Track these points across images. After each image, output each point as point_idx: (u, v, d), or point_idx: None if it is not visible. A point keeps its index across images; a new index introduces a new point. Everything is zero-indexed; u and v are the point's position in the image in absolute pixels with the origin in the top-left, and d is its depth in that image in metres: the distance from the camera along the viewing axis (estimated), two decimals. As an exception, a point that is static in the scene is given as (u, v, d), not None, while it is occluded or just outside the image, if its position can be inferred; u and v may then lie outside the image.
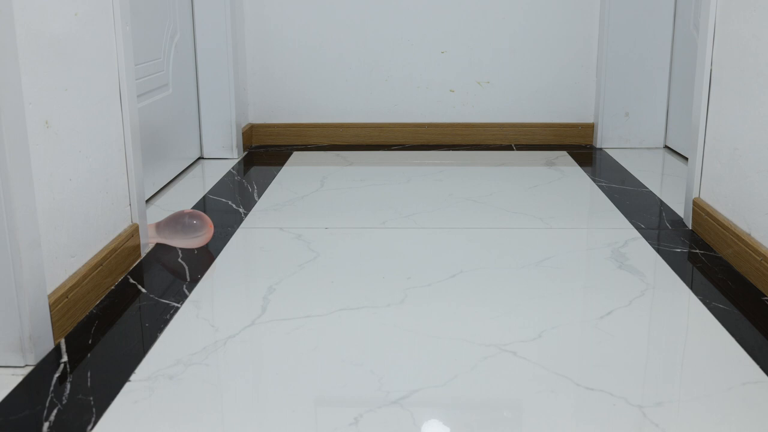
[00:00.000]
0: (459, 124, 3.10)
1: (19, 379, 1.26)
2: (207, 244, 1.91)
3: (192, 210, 1.92)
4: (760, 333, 1.41)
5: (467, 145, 3.08)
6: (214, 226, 2.05)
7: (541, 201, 2.28)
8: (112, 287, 1.65)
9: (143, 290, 1.64)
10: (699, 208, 1.97)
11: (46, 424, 1.13)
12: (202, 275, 1.71)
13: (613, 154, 2.94)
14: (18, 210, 1.25)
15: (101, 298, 1.59)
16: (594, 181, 2.53)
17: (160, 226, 1.88)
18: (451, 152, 2.97)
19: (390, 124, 3.11)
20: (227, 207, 2.26)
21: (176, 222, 1.88)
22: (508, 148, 3.04)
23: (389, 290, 1.62)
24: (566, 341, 1.38)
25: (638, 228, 2.02)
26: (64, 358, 1.33)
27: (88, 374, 1.27)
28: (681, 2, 2.85)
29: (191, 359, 1.32)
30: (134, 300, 1.59)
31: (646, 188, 2.43)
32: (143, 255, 1.84)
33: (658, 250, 1.85)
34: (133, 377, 1.26)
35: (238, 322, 1.46)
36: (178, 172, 2.64)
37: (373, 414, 1.14)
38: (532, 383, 1.23)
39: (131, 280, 1.69)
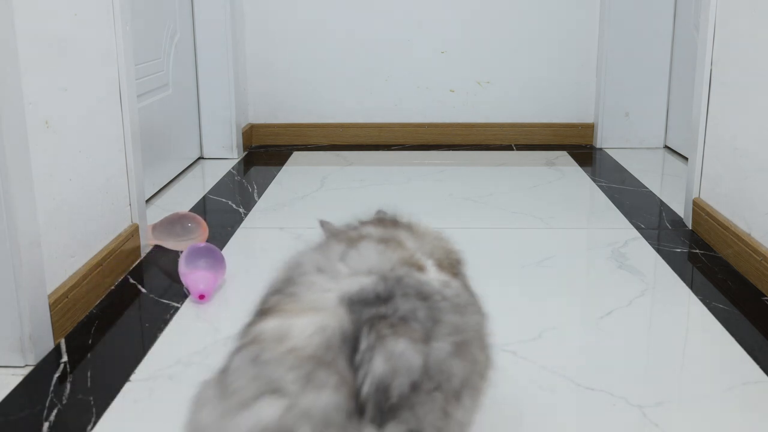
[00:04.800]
0: (459, 124, 3.10)
1: (19, 379, 1.26)
2: (207, 244, 1.91)
3: (187, 212, 1.92)
4: (760, 333, 1.41)
5: (467, 145, 3.08)
6: (215, 226, 2.05)
7: (541, 201, 2.28)
8: (112, 287, 1.65)
9: (143, 290, 1.63)
10: (699, 208, 1.97)
11: (46, 424, 1.12)
12: (202, 275, 1.71)
13: (613, 154, 2.94)
14: (18, 210, 1.25)
15: (101, 298, 1.59)
16: (594, 181, 2.53)
17: (155, 228, 1.88)
18: (451, 152, 2.97)
19: (390, 124, 3.11)
20: (227, 207, 2.26)
21: (171, 224, 1.88)
22: (508, 148, 3.04)
23: (389, 290, 1.62)
24: (566, 341, 1.38)
25: (638, 228, 2.02)
26: (64, 358, 1.33)
27: (88, 374, 1.27)
28: (681, 2, 2.85)
29: (191, 359, 1.32)
30: (134, 300, 1.59)
31: (646, 188, 2.43)
32: (143, 255, 1.83)
33: (658, 250, 1.85)
34: (133, 377, 1.26)
35: (238, 322, 1.46)
36: (178, 172, 2.63)
37: (373, 414, 1.14)
38: (532, 383, 1.23)
39: (131, 280, 1.69)
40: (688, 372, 1.28)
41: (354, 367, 0.66)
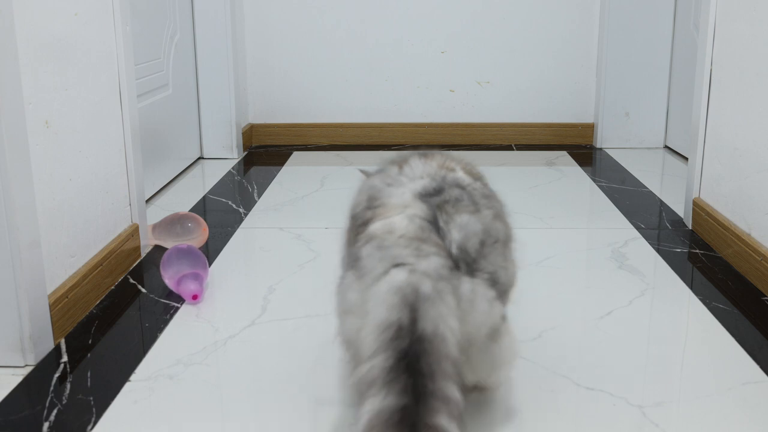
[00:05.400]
0: (459, 124, 3.10)
1: (19, 379, 1.26)
2: (206, 245, 1.91)
3: (187, 212, 1.92)
4: (760, 333, 1.41)
5: (467, 145, 3.08)
6: (215, 226, 2.05)
7: (541, 201, 2.28)
8: (112, 287, 1.65)
9: (143, 290, 1.64)
10: (699, 208, 1.97)
11: (46, 424, 1.12)
12: (202, 275, 1.71)
13: (613, 154, 2.94)
14: (18, 210, 1.25)
15: (101, 298, 1.59)
16: (594, 181, 2.53)
17: (155, 229, 1.88)
18: (451, 152, 2.97)
19: (390, 124, 3.11)
20: (227, 207, 2.26)
21: (171, 224, 1.88)
22: (508, 148, 3.04)
23: (389, 290, 1.62)
24: (566, 341, 1.38)
25: (638, 228, 2.02)
26: (64, 358, 1.33)
27: (88, 374, 1.27)
28: (681, 2, 2.85)
29: (191, 359, 1.32)
30: (134, 300, 1.59)
31: (646, 188, 2.43)
32: (143, 255, 1.84)
33: (658, 250, 1.85)
34: (133, 377, 1.26)
35: (238, 322, 1.46)
36: (178, 172, 2.64)
37: (373, 414, 1.14)
38: (532, 383, 1.23)
39: (131, 280, 1.69)
40: (688, 372, 1.28)
41: (442, 238, 0.96)
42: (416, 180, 1.05)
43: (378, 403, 0.84)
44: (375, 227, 0.98)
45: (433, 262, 0.92)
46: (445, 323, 0.89)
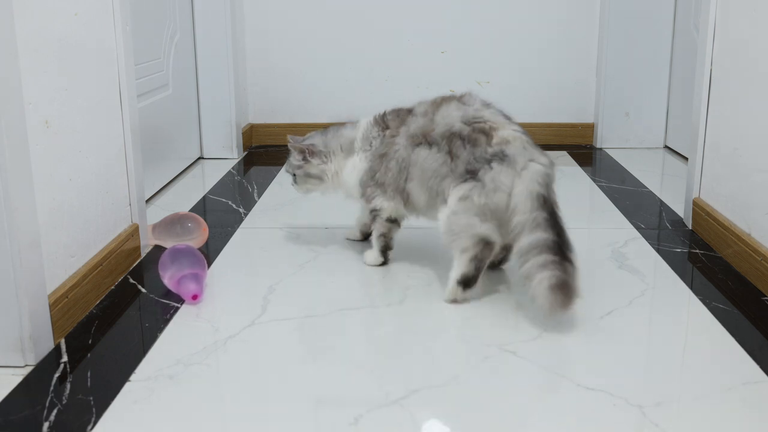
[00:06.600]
0: (459, 124, 3.09)
1: (19, 379, 1.26)
2: (206, 245, 1.91)
3: (187, 212, 1.92)
4: (760, 333, 1.41)
5: (467, 145, 3.08)
6: (215, 226, 2.05)
7: (541, 201, 2.28)
8: (112, 287, 1.65)
9: (143, 290, 1.63)
10: (699, 208, 1.97)
11: (46, 424, 1.12)
12: (202, 275, 1.71)
13: (613, 154, 2.94)
14: (18, 210, 1.25)
15: (101, 298, 1.59)
16: (594, 181, 2.53)
17: (155, 229, 1.88)
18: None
19: (390, 124, 3.11)
20: (227, 207, 2.26)
21: (171, 224, 1.88)
22: (508, 148, 3.04)
23: (389, 290, 1.62)
24: (566, 341, 1.38)
25: (638, 228, 2.02)
26: (64, 358, 1.33)
27: (88, 374, 1.27)
28: (681, 2, 2.85)
29: (191, 359, 1.32)
30: (134, 300, 1.59)
31: (646, 188, 2.43)
32: (143, 255, 1.84)
33: (658, 250, 1.85)
34: (133, 377, 1.26)
35: (238, 322, 1.46)
36: (178, 172, 2.63)
37: (373, 414, 1.14)
38: (532, 383, 1.23)
39: (131, 280, 1.69)
40: (688, 372, 1.28)
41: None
42: (487, 105, 1.58)
43: (545, 235, 1.38)
44: (505, 134, 1.50)
45: (546, 158, 1.50)
46: (556, 194, 1.48)
